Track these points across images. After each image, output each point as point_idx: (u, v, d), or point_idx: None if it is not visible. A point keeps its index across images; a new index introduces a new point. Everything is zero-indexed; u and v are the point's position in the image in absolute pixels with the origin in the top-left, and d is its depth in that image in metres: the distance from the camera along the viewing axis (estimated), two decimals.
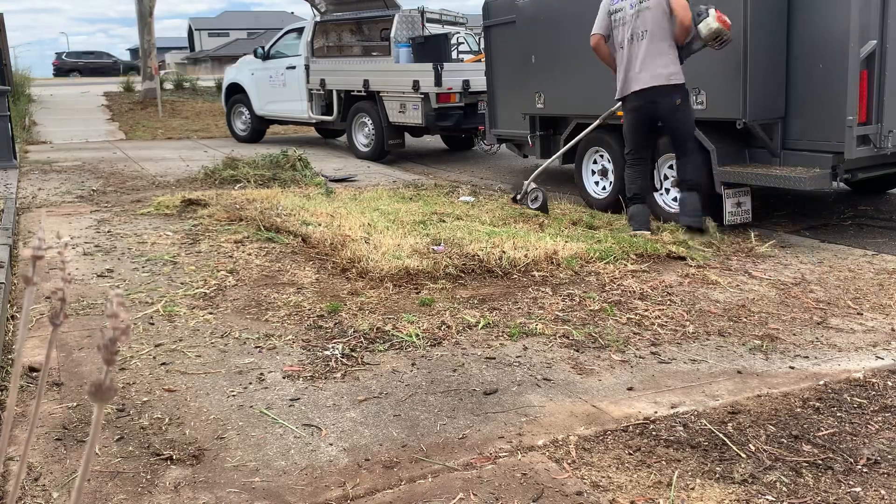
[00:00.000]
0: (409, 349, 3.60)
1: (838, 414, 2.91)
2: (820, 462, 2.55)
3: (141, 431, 2.82)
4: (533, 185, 6.67)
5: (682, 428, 2.80)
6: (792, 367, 3.37)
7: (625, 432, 2.78)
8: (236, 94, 13.70)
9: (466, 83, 10.46)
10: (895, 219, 6.61)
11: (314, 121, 12.68)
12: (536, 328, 3.83)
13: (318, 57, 12.12)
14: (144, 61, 21.00)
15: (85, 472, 0.80)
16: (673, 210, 6.46)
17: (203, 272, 4.84)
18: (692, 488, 2.41)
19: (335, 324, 3.92)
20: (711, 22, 5.28)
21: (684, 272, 4.85)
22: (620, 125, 6.86)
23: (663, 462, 2.57)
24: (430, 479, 2.49)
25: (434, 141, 13.39)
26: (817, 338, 3.73)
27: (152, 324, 3.95)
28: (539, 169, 6.88)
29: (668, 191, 6.60)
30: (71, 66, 46.88)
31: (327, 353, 3.54)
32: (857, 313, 4.08)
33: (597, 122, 6.46)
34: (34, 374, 3.32)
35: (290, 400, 3.08)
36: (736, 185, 5.85)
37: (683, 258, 5.13)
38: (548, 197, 6.64)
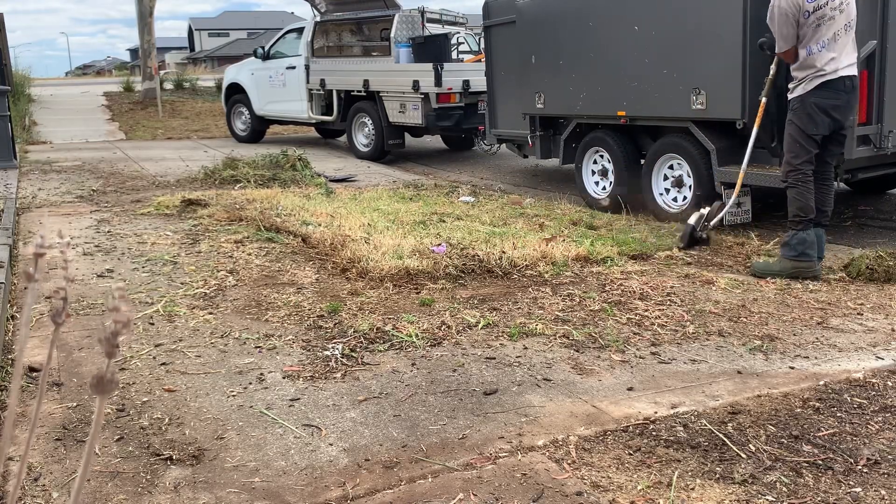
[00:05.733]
0: (409, 349, 3.60)
1: (838, 414, 2.91)
2: (820, 462, 2.55)
3: (141, 431, 2.82)
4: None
5: (682, 428, 2.80)
6: (792, 368, 3.37)
7: (625, 432, 2.78)
8: (236, 94, 13.70)
9: (466, 83, 10.46)
10: (895, 219, 6.62)
11: (314, 121, 12.68)
12: (536, 328, 3.83)
13: (318, 57, 12.12)
14: (144, 61, 21.00)
15: (86, 466, 0.80)
16: (673, 210, 6.47)
17: (203, 272, 4.84)
18: (692, 488, 2.41)
19: (335, 324, 3.92)
20: None
21: (684, 272, 4.85)
22: (622, 125, 6.89)
23: (663, 462, 2.57)
24: (430, 480, 2.49)
25: (434, 141, 13.39)
26: (817, 338, 3.73)
27: (152, 324, 3.95)
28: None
29: (667, 191, 6.61)
30: None
31: (327, 353, 3.54)
32: (857, 313, 4.08)
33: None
34: (34, 374, 3.32)
35: (290, 400, 3.08)
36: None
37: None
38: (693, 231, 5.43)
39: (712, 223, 5.32)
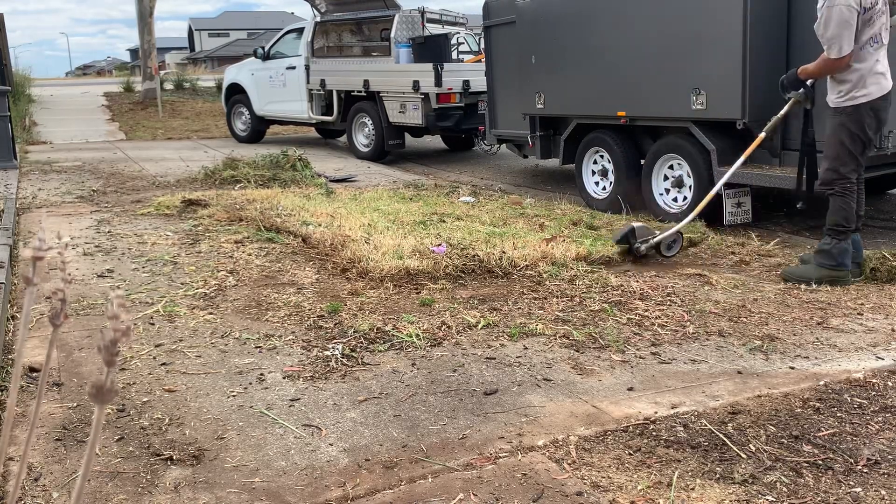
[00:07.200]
0: (410, 349, 3.60)
1: (838, 414, 2.91)
2: (820, 462, 2.55)
3: (141, 431, 2.82)
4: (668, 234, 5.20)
5: (682, 428, 2.80)
6: (792, 368, 3.37)
7: (625, 432, 2.78)
8: (236, 94, 13.71)
9: (466, 83, 10.46)
10: (895, 219, 6.62)
11: (314, 121, 12.69)
12: (536, 328, 3.83)
13: (318, 57, 12.13)
14: (144, 61, 21.01)
15: (86, 472, 0.80)
16: (673, 210, 6.47)
17: (203, 272, 4.84)
18: (692, 488, 2.41)
19: (335, 324, 3.92)
20: None
21: (684, 272, 4.85)
22: (622, 125, 6.89)
23: (663, 462, 2.57)
24: (430, 480, 2.49)
25: (434, 141, 13.39)
26: (817, 338, 3.73)
27: (152, 324, 3.95)
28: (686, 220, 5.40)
29: (667, 191, 6.61)
30: None
31: (327, 353, 3.54)
32: (858, 313, 4.08)
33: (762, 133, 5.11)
34: (34, 374, 3.32)
35: (290, 400, 3.08)
36: (736, 185, 5.85)
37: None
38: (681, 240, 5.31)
39: (650, 243, 5.07)
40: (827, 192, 4.67)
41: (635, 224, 5.18)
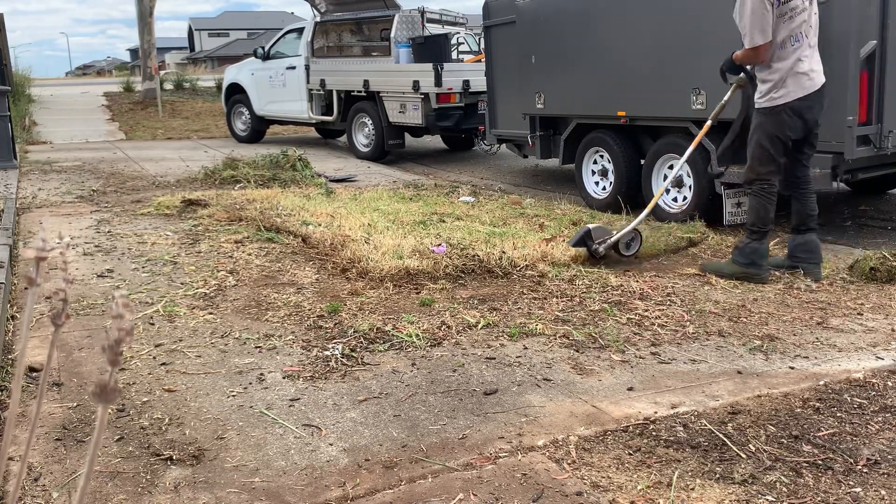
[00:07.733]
0: (409, 349, 3.60)
1: (838, 414, 2.91)
2: (820, 462, 2.56)
3: (141, 431, 2.82)
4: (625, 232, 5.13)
5: (682, 428, 2.80)
6: (792, 368, 3.37)
7: (625, 432, 2.78)
8: (236, 94, 13.71)
9: (466, 83, 10.46)
10: (895, 219, 6.62)
11: (314, 121, 12.69)
12: (536, 328, 3.83)
13: (318, 57, 12.13)
14: (144, 61, 21.02)
15: (89, 472, 0.80)
16: (673, 210, 6.47)
17: (203, 272, 4.85)
18: (692, 488, 2.41)
19: (335, 324, 3.92)
20: None
21: (684, 272, 4.85)
22: (622, 125, 6.89)
23: (663, 462, 2.57)
24: (430, 480, 2.49)
25: (434, 141, 13.39)
26: (817, 338, 3.73)
27: (152, 324, 3.95)
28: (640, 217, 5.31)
29: (668, 191, 6.61)
30: None
31: (327, 353, 3.54)
32: (858, 313, 4.08)
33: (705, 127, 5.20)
34: (34, 374, 3.32)
35: (290, 400, 3.08)
36: (736, 185, 5.85)
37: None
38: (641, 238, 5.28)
39: (607, 243, 5.02)
40: (746, 192, 4.78)
41: (591, 226, 5.15)
